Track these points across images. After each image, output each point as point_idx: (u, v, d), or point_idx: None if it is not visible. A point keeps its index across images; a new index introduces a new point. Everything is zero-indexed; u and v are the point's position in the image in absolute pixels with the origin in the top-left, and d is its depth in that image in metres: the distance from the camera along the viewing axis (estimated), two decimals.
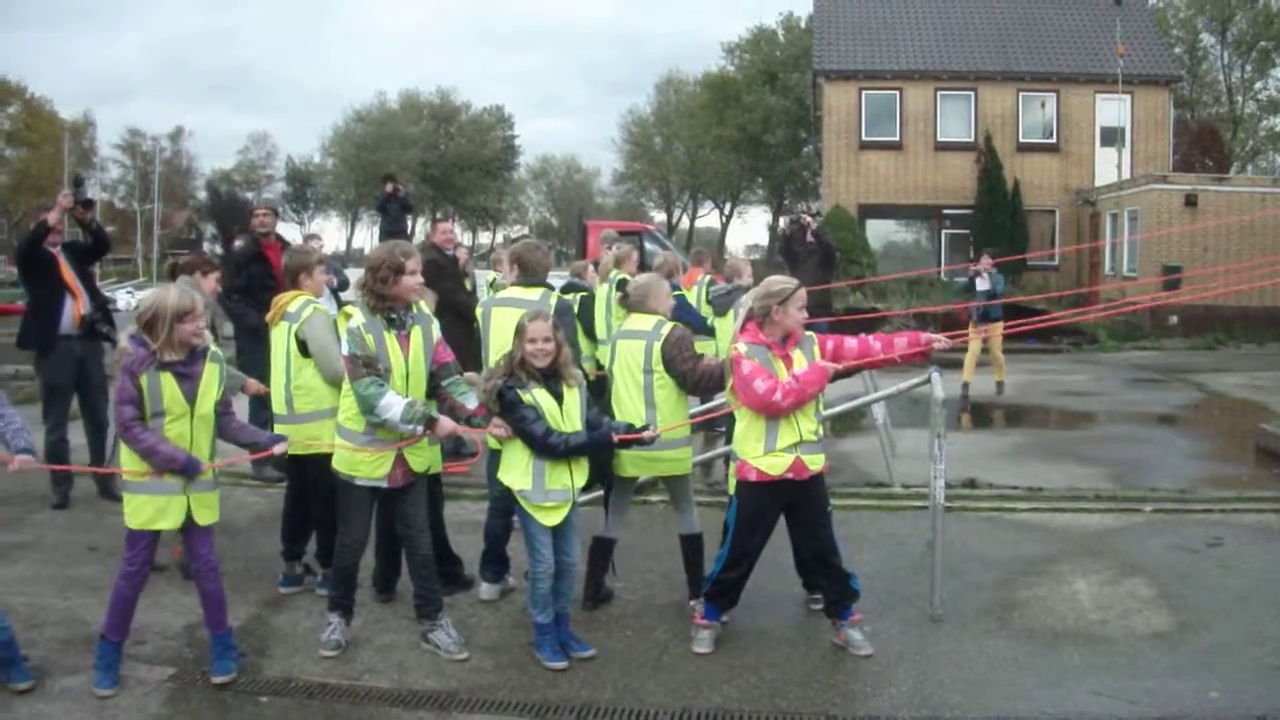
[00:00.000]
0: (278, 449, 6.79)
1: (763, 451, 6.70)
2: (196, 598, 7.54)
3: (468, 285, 12.74)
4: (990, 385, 18.62)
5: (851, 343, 7.01)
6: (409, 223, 21.34)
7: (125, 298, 30.54)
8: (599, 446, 6.89)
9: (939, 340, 7.18)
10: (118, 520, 8.62)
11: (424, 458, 6.93)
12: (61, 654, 6.80)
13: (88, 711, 6.04)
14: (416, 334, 6.80)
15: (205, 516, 6.43)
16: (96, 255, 11.12)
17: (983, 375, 18.56)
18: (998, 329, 18.19)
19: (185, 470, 6.21)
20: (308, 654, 6.90)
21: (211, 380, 6.36)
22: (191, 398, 6.26)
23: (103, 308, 10.65)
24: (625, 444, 7.02)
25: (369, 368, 6.53)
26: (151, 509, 6.24)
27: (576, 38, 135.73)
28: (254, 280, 10.64)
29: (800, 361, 6.77)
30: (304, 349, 7.62)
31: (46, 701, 6.14)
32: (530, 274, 8.05)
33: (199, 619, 7.30)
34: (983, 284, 18.17)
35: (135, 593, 6.41)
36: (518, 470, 6.71)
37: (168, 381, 6.17)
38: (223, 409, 6.53)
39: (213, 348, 6.51)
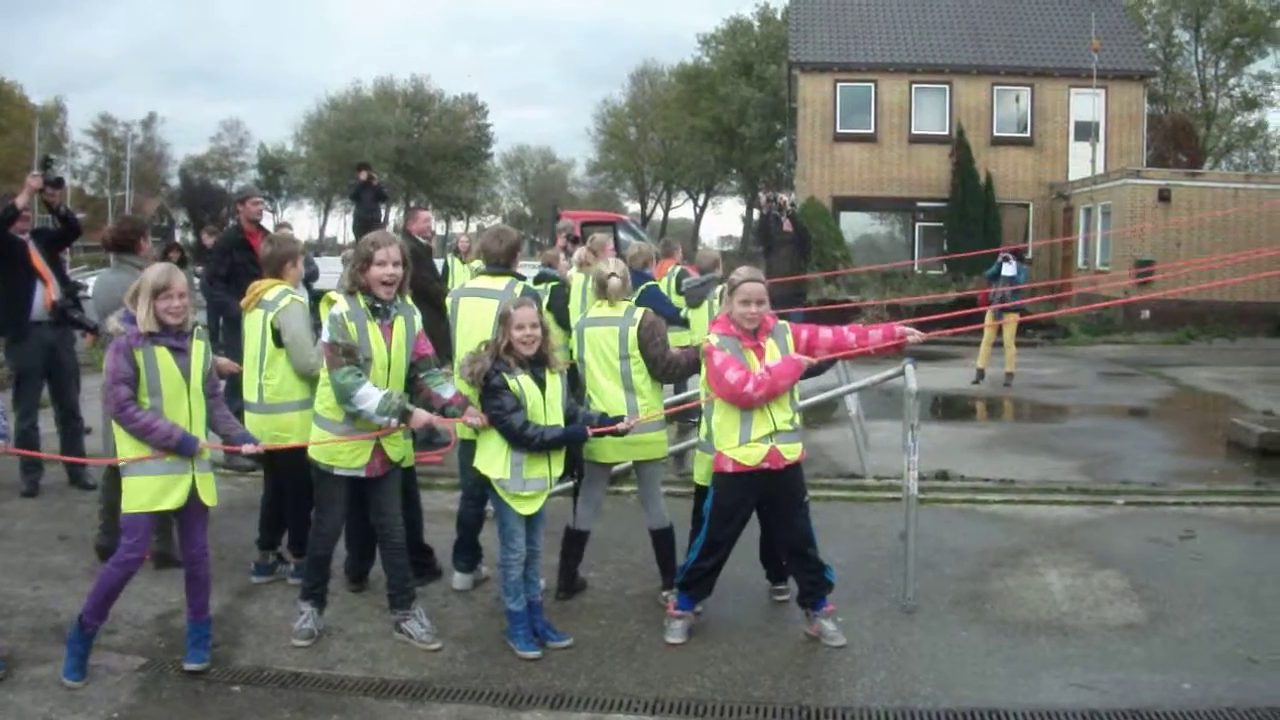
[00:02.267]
0: (246, 448, 6.75)
1: (738, 442, 6.71)
2: (168, 587, 7.56)
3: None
4: (970, 374, 18.72)
5: (826, 333, 7.03)
6: (382, 211, 21.28)
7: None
8: (574, 440, 6.89)
9: (913, 334, 7.22)
10: (88, 509, 8.64)
11: (400, 448, 6.91)
12: (31, 644, 6.75)
13: (57, 701, 5.99)
14: (399, 324, 6.76)
15: (209, 496, 6.40)
16: (66, 241, 11.03)
17: (955, 369, 18.63)
18: (1014, 319, 18.36)
19: (181, 448, 6.15)
20: (280, 643, 6.86)
21: (199, 357, 6.33)
22: (186, 374, 6.23)
23: (73, 294, 10.56)
24: (599, 435, 7.01)
25: (348, 356, 6.48)
26: (155, 489, 6.17)
27: (551, 29, 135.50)
28: (238, 268, 10.52)
29: (773, 352, 6.78)
30: (278, 339, 7.57)
31: (15, 692, 6.09)
32: (495, 262, 8.02)
33: (170, 609, 7.29)
34: (1009, 269, 18.33)
35: (125, 580, 6.33)
36: (496, 460, 6.69)
37: (164, 357, 6.13)
38: (211, 390, 6.51)
39: (200, 326, 6.49)
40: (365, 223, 20.08)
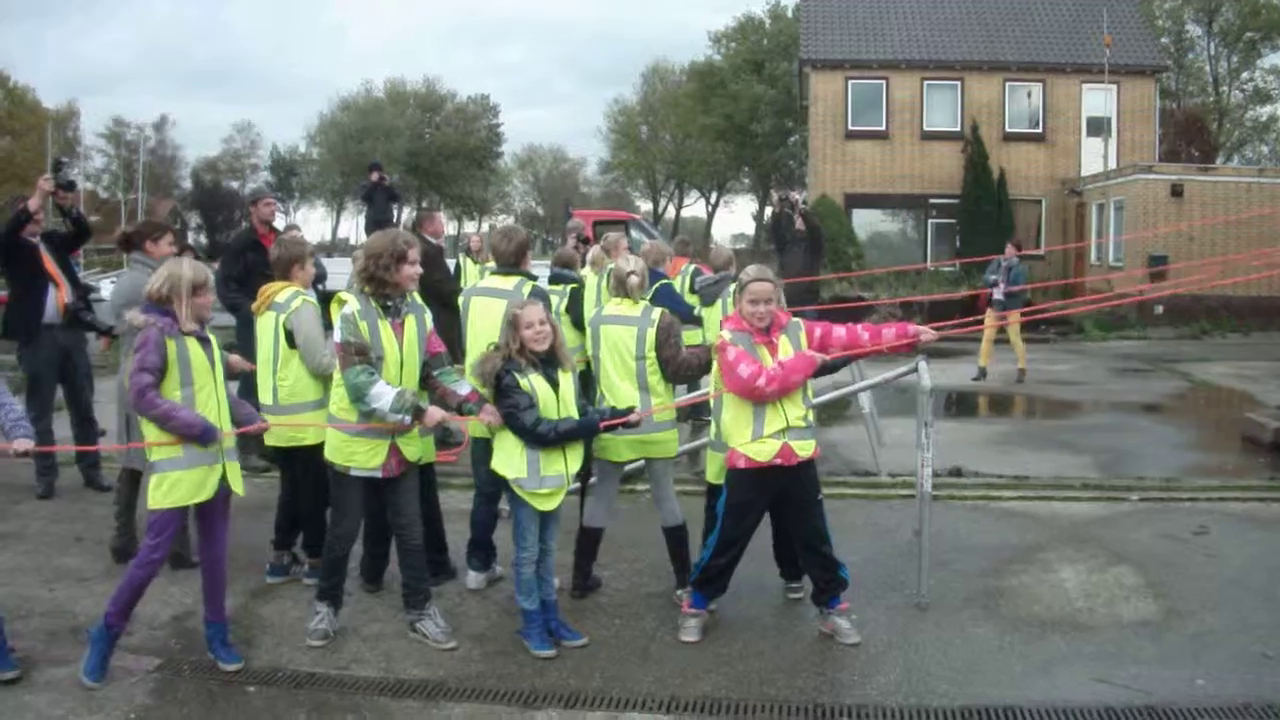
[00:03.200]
0: (255, 428, 6.76)
1: (750, 438, 6.72)
2: (183, 588, 7.59)
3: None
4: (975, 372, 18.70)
5: (839, 331, 7.02)
6: (395, 212, 21.32)
7: (109, 286, 30.20)
8: (587, 433, 6.89)
9: (926, 333, 7.20)
10: (104, 511, 8.66)
11: (417, 447, 6.92)
12: (48, 645, 6.77)
13: (74, 702, 6.01)
14: (411, 322, 6.78)
15: (238, 484, 6.46)
16: (77, 243, 11.06)
17: (967, 366, 18.61)
18: (1015, 316, 18.29)
19: (203, 437, 6.17)
20: (295, 644, 6.88)
21: (217, 347, 6.40)
22: (213, 364, 6.29)
23: (84, 297, 10.59)
24: (611, 428, 7.02)
25: (361, 355, 6.50)
26: (188, 483, 6.21)
27: (554, 30, 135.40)
28: (250, 268, 10.55)
29: (786, 348, 6.78)
30: (291, 339, 7.60)
31: (33, 692, 6.11)
32: (504, 262, 8.03)
33: (185, 610, 7.32)
34: (998, 294, 18.24)
35: (150, 579, 6.37)
36: (513, 459, 6.69)
37: (195, 348, 6.19)
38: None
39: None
40: (378, 223, 20.09)
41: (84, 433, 10.46)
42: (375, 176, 21.57)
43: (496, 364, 6.66)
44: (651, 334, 7.35)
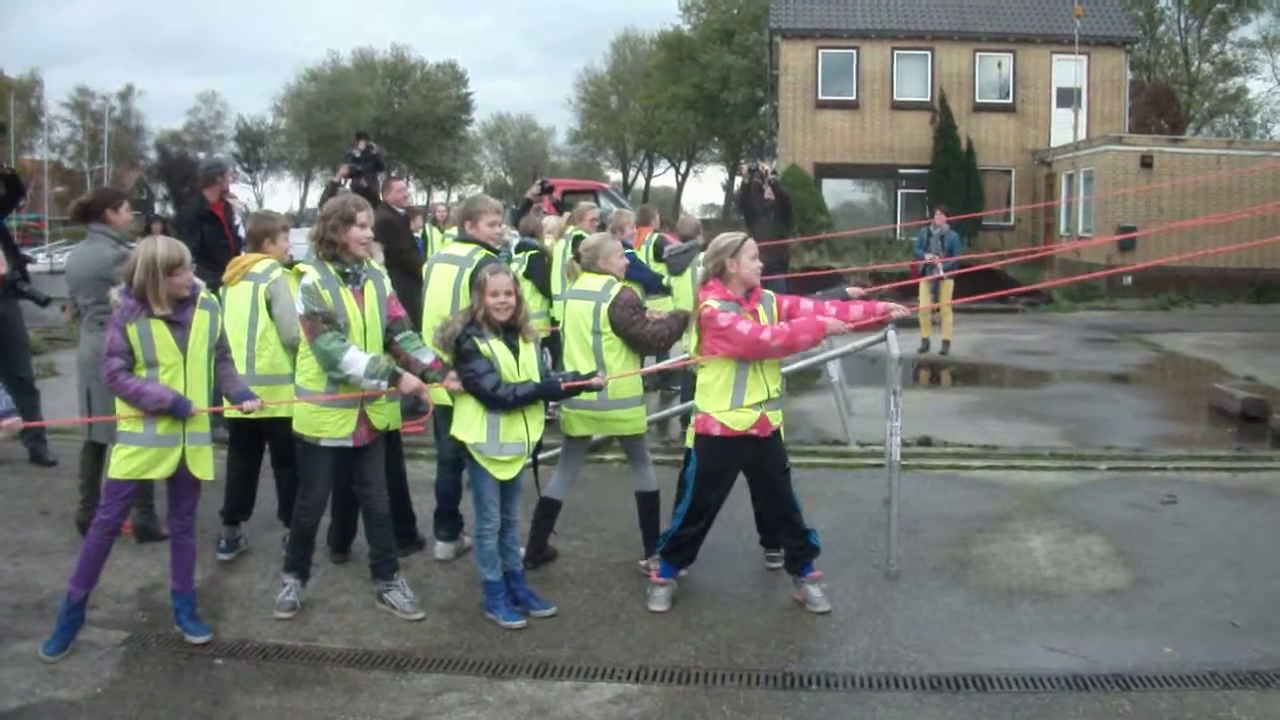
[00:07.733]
0: (247, 405, 6.69)
1: (729, 406, 6.68)
2: (150, 561, 7.55)
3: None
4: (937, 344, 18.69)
5: (807, 304, 6.99)
6: (380, 181, 21.28)
7: (44, 259, 29.86)
8: (547, 395, 6.86)
9: (896, 310, 7.18)
10: (70, 484, 8.58)
11: (384, 415, 6.88)
12: (13, 619, 6.72)
13: (39, 676, 5.96)
14: (370, 288, 6.74)
15: (202, 470, 6.36)
16: (9, 204, 10.84)
17: (936, 336, 18.63)
18: (949, 285, 18.17)
19: (175, 410, 6.10)
20: (262, 615, 6.85)
21: (202, 327, 6.29)
22: (184, 345, 6.18)
23: (21, 266, 10.40)
24: (573, 391, 6.98)
25: (329, 323, 6.45)
26: (143, 459, 6.16)
27: (520, 1, 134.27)
28: (207, 240, 10.43)
29: (764, 318, 6.75)
30: (270, 310, 7.53)
31: None
32: (459, 230, 7.99)
33: (152, 583, 7.28)
34: (941, 271, 17.97)
35: (107, 544, 6.31)
36: (473, 424, 6.66)
37: (159, 330, 6.10)
38: (220, 355, 6.52)
39: (205, 294, 6.41)
40: (362, 192, 20.01)
41: (24, 403, 10.24)
42: (362, 145, 21.53)
43: (457, 329, 6.63)
44: (605, 309, 7.30)
